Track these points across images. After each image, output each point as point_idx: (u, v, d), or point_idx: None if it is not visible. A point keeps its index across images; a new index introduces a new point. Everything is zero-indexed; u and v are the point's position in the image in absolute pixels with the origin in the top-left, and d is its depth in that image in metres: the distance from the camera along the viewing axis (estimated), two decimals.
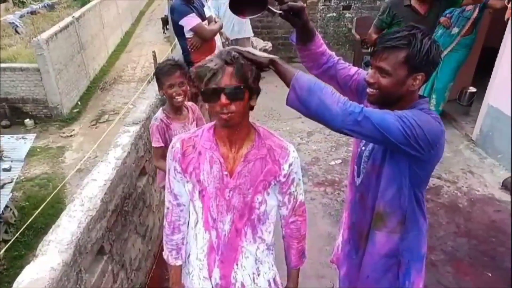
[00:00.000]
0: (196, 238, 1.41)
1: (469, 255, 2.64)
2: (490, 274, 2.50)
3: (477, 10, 3.86)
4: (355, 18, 6.23)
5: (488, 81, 3.79)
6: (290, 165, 1.32)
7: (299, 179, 1.39)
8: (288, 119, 4.74)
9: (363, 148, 1.46)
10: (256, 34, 6.41)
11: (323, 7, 6.43)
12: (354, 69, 1.54)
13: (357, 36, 5.87)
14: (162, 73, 2.11)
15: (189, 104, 2.33)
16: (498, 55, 3.61)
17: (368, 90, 1.33)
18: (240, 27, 5.24)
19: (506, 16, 3.37)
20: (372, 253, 1.54)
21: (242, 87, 1.18)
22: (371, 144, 1.43)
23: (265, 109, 5.00)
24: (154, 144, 2.11)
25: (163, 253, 1.52)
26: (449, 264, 2.58)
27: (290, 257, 1.51)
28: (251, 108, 1.28)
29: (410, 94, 1.31)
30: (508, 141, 3.41)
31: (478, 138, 3.90)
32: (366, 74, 1.42)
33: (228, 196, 1.32)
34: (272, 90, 5.60)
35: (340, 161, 3.81)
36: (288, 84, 1.27)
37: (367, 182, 1.48)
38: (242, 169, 1.30)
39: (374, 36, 3.18)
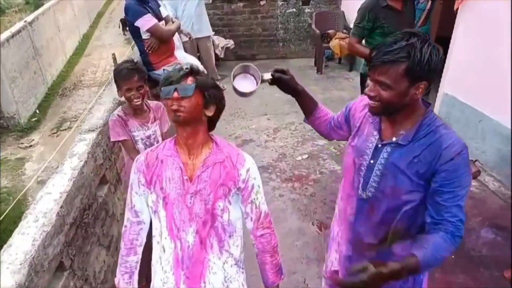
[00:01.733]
0: (164, 250, 1.39)
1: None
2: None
3: (430, 1, 4.00)
4: (314, 13, 6.30)
5: (443, 70, 3.94)
6: (247, 170, 1.37)
7: (259, 187, 1.41)
8: (254, 117, 4.74)
9: (372, 161, 1.36)
10: (217, 32, 6.36)
11: (282, 3, 6.45)
12: (341, 113, 1.59)
13: (317, 31, 5.94)
14: (119, 76, 2.07)
15: (153, 103, 2.29)
16: (450, 44, 3.75)
17: (370, 102, 1.27)
18: (199, 26, 5.18)
19: (456, 6, 3.50)
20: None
21: (194, 85, 1.30)
22: (382, 158, 1.33)
23: (230, 107, 4.95)
24: (114, 138, 2.12)
25: (115, 278, 1.48)
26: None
27: (266, 274, 1.49)
28: (210, 119, 1.37)
29: (413, 103, 1.26)
30: (462, 127, 3.55)
31: None
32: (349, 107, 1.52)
33: (190, 202, 1.33)
34: None
35: (306, 155, 3.85)
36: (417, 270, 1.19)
37: (381, 195, 1.36)
38: (202, 174, 1.33)
39: (357, 45, 3.00)
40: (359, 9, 2.94)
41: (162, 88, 1.30)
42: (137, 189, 1.39)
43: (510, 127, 3.06)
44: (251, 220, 1.42)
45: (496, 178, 3.28)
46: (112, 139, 2.15)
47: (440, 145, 1.23)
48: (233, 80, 1.53)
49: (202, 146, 1.36)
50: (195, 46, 5.24)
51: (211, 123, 1.41)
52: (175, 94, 1.27)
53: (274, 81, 1.57)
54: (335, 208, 3.03)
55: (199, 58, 5.16)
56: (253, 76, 1.58)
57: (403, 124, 1.29)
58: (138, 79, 2.06)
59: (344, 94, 5.30)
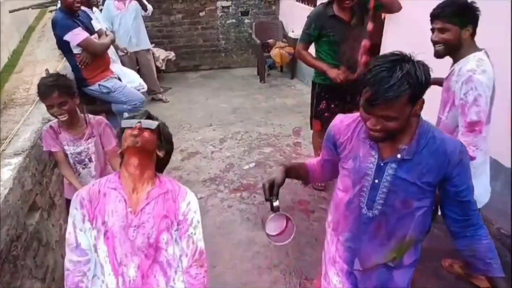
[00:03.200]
0: (106, 284, 1.34)
1: None
2: None
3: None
4: (254, 23, 6.40)
5: None
6: (188, 203, 1.40)
7: (198, 222, 1.42)
8: (199, 128, 4.67)
9: (376, 181, 1.32)
10: (157, 44, 6.24)
11: (222, 13, 6.49)
12: (325, 148, 1.50)
13: (258, 41, 6.03)
14: (39, 93, 1.98)
15: (95, 118, 2.18)
16: (381, 52, 3.98)
17: (373, 133, 1.22)
18: (138, 39, 5.05)
19: (383, 15, 3.73)
20: (402, 271, 1.49)
21: (157, 123, 1.44)
22: (388, 175, 1.30)
23: (174, 120, 4.86)
24: (46, 149, 2.11)
25: None
26: None
27: None
28: (159, 161, 1.44)
29: (413, 119, 1.25)
30: None
31: None
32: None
33: (133, 236, 1.31)
34: (180, 100, 5.52)
35: (253, 164, 3.85)
36: None
37: (390, 210, 1.34)
38: (145, 207, 1.34)
39: (303, 52, 3.06)
40: (308, 16, 2.99)
41: (123, 121, 1.39)
42: (81, 226, 1.34)
43: None
44: (186, 256, 1.39)
45: None
46: (44, 149, 2.15)
47: (445, 151, 1.24)
48: (264, 228, 1.42)
49: (147, 181, 1.38)
50: (134, 60, 5.09)
51: (160, 165, 1.47)
52: (138, 125, 1.36)
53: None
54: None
55: (138, 71, 5.02)
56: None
57: (402, 139, 1.26)
58: (59, 95, 1.95)
59: (287, 101, 5.41)
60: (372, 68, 1.14)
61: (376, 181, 1.32)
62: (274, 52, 5.88)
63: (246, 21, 6.61)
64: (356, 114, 1.36)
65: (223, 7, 6.45)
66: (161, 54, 6.05)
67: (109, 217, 1.32)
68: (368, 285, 1.48)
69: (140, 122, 1.36)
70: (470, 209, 1.32)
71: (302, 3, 5.70)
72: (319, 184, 3.40)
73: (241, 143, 4.29)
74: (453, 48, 1.87)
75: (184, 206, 1.38)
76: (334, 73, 2.93)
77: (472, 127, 1.81)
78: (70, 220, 1.35)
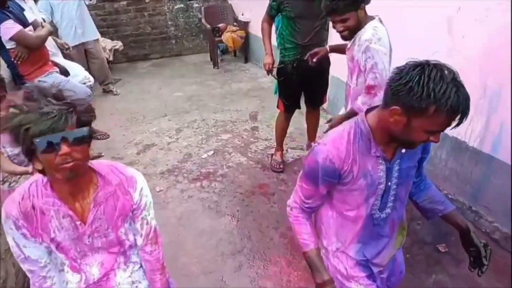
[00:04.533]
0: (67, 283, 1.32)
1: None
2: None
3: None
4: (203, 7, 6.25)
5: None
6: (140, 191, 1.30)
7: (150, 202, 1.36)
8: (153, 119, 4.55)
9: (389, 183, 1.30)
10: (102, 34, 5.93)
11: None
12: (323, 185, 1.32)
13: (208, 26, 5.91)
14: None
15: None
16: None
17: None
18: (83, 29, 4.75)
19: None
20: (399, 254, 1.55)
21: (87, 128, 1.07)
22: (395, 171, 1.29)
23: (126, 113, 4.69)
24: None
25: None
26: None
27: None
28: None
29: None
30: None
31: (328, 106, 4.34)
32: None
33: (89, 241, 1.25)
34: (131, 91, 5.32)
35: (212, 152, 3.82)
36: None
37: (399, 206, 1.37)
38: (95, 214, 1.22)
39: (263, 25, 3.09)
40: None
41: (37, 141, 0.98)
42: (25, 242, 1.20)
43: None
44: (141, 236, 1.36)
45: None
46: None
47: None
48: None
49: (88, 187, 1.20)
50: (82, 52, 4.81)
51: None
52: (65, 147, 1.00)
53: None
54: (244, 200, 3.08)
55: (88, 64, 4.77)
56: None
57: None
58: None
59: (242, 86, 5.38)
60: None
61: (389, 183, 1.30)
62: (226, 36, 5.80)
63: (195, 5, 6.44)
64: (341, 132, 1.26)
65: None
66: (108, 44, 5.78)
67: (57, 233, 1.20)
68: (384, 276, 1.50)
69: (65, 138, 1.00)
70: (423, 167, 1.43)
71: None
72: (278, 166, 3.44)
73: (198, 131, 4.23)
74: (357, 28, 2.09)
75: (136, 196, 1.28)
76: (265, 61, 3.00)
77: (369, 90, 2.07)
78: (9, 237, 1.19)
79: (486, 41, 2.50)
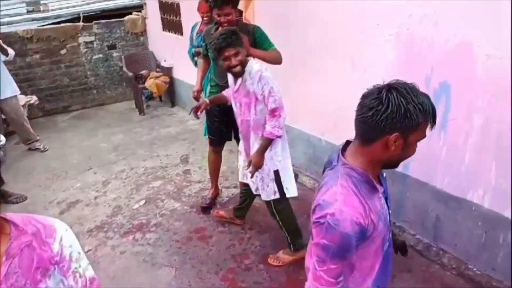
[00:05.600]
0: None
1: (273, 247, 2.96)
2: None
3: None
4: (123, 56, 6.21)
5: None
6: (60, 240, 1.18)
7: (79, 253, 1.24)
8: (77, 174, 4.29)
9: (390, 210, 1.27)
10: None
11: (86, 49, 6.14)
12: (350, 254, 1.17)
13: (130, 74, 5.86)
14: None
15: None
16: None
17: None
18: (1, 86, 4.43)
19: None
20: None
21: None
22: (388, 201, 1.28)
23: (46, 170, 4.37)
24: None
25: None
26: (261, 262, 2.83)
27: None
28: None
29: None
30: None
31: None
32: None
33: None
34: (51, 147, 4.99)
35: (143, 201, 3.68)
36: None
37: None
38: (9, 268, 1.09)
39: (201, 60, 3.38)
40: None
41: None
42: None
43: (310, 132, 3.64)
44: None
45: (310, 176, 3.82)
46: None
47: None
48: None
49: None
50: None
51: None
52: None
53: None
54: (181, 247, 2.98)
55: (4, 122, 4.41)
56: None
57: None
58: None
59: (171, 130, 5.34)
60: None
61: (390, 211, 1.28)
62: (149, 82, 5.78)
63: (115, 54, 6.37)
64: (342, 190, 1.14)
65: (86, 42, 6.11)
66: (21, 99, 5.42)
67: None
68: None
69: None
70: None
71: (169, 32, 5.75)
72: (205, 202, 3.52)
73: (127, 181, 4.07)
74: (245, 63, 2.38)
75: (56, 247, 1.17)
76: (194, 89, 3.30)
77: (274, 113, 2.34)
78: None
79: (383, 73, 2.82)
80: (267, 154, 2.46)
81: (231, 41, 2.29)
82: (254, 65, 2.39)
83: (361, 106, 1.13)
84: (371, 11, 2.74)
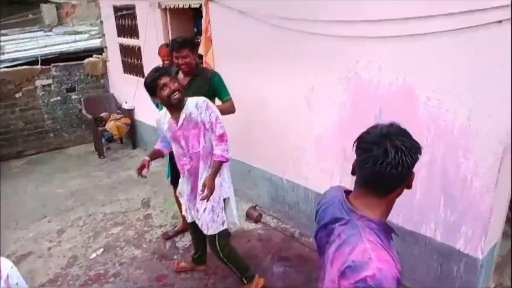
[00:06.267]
0: None
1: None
2: None
3: None
4: (83, 98, 6.12)
5: None
6: (6, 278, 1.18)
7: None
8: (29, 223, 4.05)
9: None
10: None
11: (43, 92, 6.00)
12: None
13: (89, 116, 5.76)
14: None
15: None
16: None
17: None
18: None
19: None
20: None
21: None
22: None
23: None
24: None
25: None
26: None
27: None
28: None
29: None
30: (239, 179, 4.05)
31: None
32: None
33: None
34: (3, 195, 4.70)
35: (101, 250, 3.52)
36: None
37: None
38: None
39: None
40: None
41: None
42: None
43: (272, 172, 3.69)
44: None
45: (274, 216, 3.83)
46: None
47: None
48: None
49: None
50: None
51: None
52: None
53: None
54: None
55: None
56: None
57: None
58: None
59: (131, 173, 5.21)
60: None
61: None
62: (110, 125, 5.69)
63: (74, 97, 6.26)
64: (370, 245, 1.08)
65: (43, 85, 5.98)
66: None
67: None
68: None
69: None
70: None
71: (130, 74, 5.77)
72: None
73: (84, 229, 3.88)
74: (183, 95, 2.49)
75: (2, 285, 1.17)
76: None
77: (222, 138, 2.48)
78: None
79: (337, 113, 2.96)
80: (216, 181, 2.50)
81: (164, 71, 2.45)
82: (192, 99, 2.51)
83: (371, 159, 1.08)
84: (323, 56, 2.91)
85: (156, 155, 2.73)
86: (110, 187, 4.83)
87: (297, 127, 3.32)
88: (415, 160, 1.10)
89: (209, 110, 2.47)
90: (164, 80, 2.36)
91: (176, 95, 2.39)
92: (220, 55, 3.86)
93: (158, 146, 2.75)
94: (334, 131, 3.02)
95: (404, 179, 1.12)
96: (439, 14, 2.17)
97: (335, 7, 2.71)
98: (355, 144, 1.15)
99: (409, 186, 1.16)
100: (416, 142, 1.12)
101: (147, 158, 2.64)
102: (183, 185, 2.72)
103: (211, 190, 2.45)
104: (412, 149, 1.09)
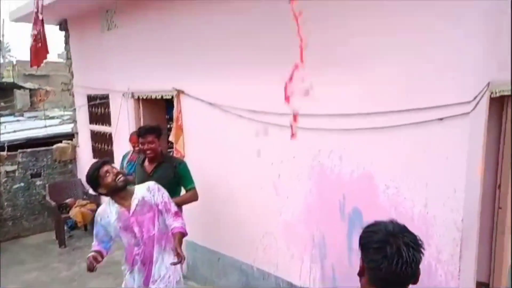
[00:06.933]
0: None
1: None
2: None
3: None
4: (48, 184, 5.96)
5: None
6: None
7: None
8: None
9: None
10: None
11: (6, 179, 5.81)
12: None
13: (53, 203, 5.57)
14: None
15: None
16: None
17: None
18: None
19: None
20: None
21: None
22: None
23: None
24: None
25: None
26: None
27: None
28: None
29: None
30: (206, 267, 3.90)
31: (188, 271, 4.25)
32: None
33: None
34: None
35: None
36: None
37: None
38: None
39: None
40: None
41: None
42: None
43: (242, 260, 3.60)
44: None
45: None
46: None
47: None
48: None
49: None
50: None
51: None
52: None
53: None
54: None
55: None
56: None
57: None
58: None
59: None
60: None
61: None
62: (74, 211, 5.49)
63: (38, 183, 6.09)
64: None
65: (7, 172, 5.83)
66: None
67: None
68: None
69: None
70: None
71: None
72: None
73: None
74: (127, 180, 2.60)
75: None
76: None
77: (178, 214, 2.62)
78: None
79: (303, 200, 3.03)
80: (170, 265, 2.50)
81: (105, 160, 2.59)
82: (140, 186, 2.63)
83: (385, 259, 1.11)
84: (288, 145, 3.07)
85: (100, 255, 2.51)
86: (69, 280, 4.50)
87: (266, 212, 3.34)
88: (423, 255, 1.15)
89: (161, 191, 2.59)
90: (106, 167, 2.43)
91: (121, 177, 2.45)
92: (190, 143, 3.99)
93: (96, 247, 2.54)
94: (302, 217, 3.06)
95: (415, 275, 1.15)
96: (391, 111, 2.40)
97: (299, 101, 2.93)
98: (361, 245, 1.19)
99: (416, 282, 1.18)
100: (417, 236, 1.17)
101: (91, 255, 2.43)
102: (131, 279, 2.60)
103: (183, 256, 2.44)
104: (420, 245, 1.15)
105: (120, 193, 2.47)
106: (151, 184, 2.60)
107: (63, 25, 6.03)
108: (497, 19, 2.23)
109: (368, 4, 2.44)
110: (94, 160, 5.79)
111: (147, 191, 2.53)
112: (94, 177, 2.43)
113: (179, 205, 3.26)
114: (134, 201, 2.48)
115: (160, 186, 2.61)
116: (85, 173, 2.52)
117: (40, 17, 4.84)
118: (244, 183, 3.51)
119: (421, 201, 2.34)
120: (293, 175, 3.08)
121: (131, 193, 2.51)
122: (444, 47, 2.17)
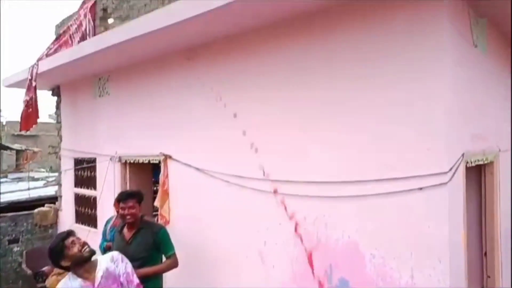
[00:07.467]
0: None
1: None
2: None
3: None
4: (26, 251, 5.71)
5: None
6: None
7: None
8: None
9: None
10: None
11: None
12: None
13: (29, 271, 5.28)
14: None
15: None
16: None
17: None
18: None
19: None
20: None
21: None
22: None
23: None
24: None
25: None
26: None
27: None
28: None
29: None
30: None
31: None
32: None
33: None
34: None
35: None
36: None
37: None
38: None
39: None
40: None
41: None
42: None
43: None
44: None
45: None
46: None
47: None
48: None
49: None
50: None
51: None
52: None
53: None
54: None
55: None
56: None
57: None
58: None
59: None
60: None
61: None
62: (50, 280, 5.15)
63: (16, 249, 5.83)
64: None
65: None
66: None
67: None
68: None
69: None
70: None
71: (82, 224, 5.59)
72: None
73: None
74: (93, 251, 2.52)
75: None
76: None
77: (139, 286, 2.56)
78: None
79: (290, 268, 2.96)
80: None
81: (70, 232, 2.46)
82: (103, 257, 2.56)
83: None
84: (273, 212, 3.06)
85: None
86: None
87: (252, 281, 3.22)
88: None
89: (124, 261, 2.55)
90: (72, 238, 2.34)
91: (87, 248, 2.35)
92: (176, 208, 3.94)
93: None
94: (289, 286, 2.96)
95: None
96: (374, 179, 2.46)
97: (284, 168, 2.98)
98: None
99: None
100: None
101: None
102: None
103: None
104: None
105: (84, 265, 2.33)
106: (115, 254, 2.56)
107: (56, 91, 6.19)
108: (468, 93, 2.39)
109: (345, 78, 2.61)
110: (76, 225, 5.67)
111: (110, 262, 2.47)
112: (58, 248, 2.28)
113: (160, 274, 3.22)
114: (99, 273, 2.36)
115: (123, 257, 2.56)
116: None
117: (34, 84, 4.99)
118: (230, 250, 3.43)
119: (407, 271, 2.31)
120: (279, 242, 3.04)
121: (95, 265, 2.40)
122: (418, 120, 2.30)
